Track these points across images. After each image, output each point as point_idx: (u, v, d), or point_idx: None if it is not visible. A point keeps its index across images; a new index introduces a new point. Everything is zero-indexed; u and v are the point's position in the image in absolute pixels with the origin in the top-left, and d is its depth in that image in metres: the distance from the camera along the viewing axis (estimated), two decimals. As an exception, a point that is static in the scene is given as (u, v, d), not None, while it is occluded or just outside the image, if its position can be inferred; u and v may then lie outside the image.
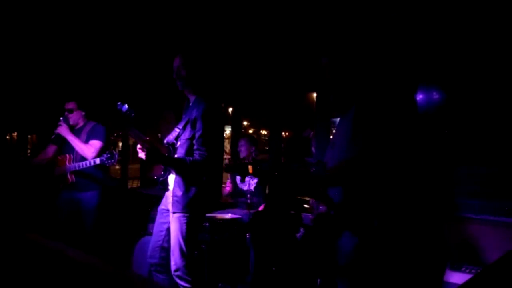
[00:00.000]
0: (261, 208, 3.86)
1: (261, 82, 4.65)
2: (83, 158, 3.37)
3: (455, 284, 2.71)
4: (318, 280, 3.24)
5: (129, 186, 7.24)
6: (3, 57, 4.89)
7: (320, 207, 1.69)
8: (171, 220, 2.53)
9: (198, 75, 2.58)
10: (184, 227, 2.47)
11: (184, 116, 2.64)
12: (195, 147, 2.48)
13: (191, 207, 2.48)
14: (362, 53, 1.49)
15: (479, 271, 2.69)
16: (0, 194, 4.08)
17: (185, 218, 2.47)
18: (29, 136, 8.73)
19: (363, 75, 1.47)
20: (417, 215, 1.35)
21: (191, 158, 2.45)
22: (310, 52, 4.06)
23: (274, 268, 3.46)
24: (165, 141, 2.63)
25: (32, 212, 4.05)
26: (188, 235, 2.47)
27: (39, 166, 3.55)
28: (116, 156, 3.29)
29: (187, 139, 2.51)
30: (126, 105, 2.38)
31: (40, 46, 4.84)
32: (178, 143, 2.59)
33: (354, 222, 1.38)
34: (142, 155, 2.37)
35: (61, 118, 3.50)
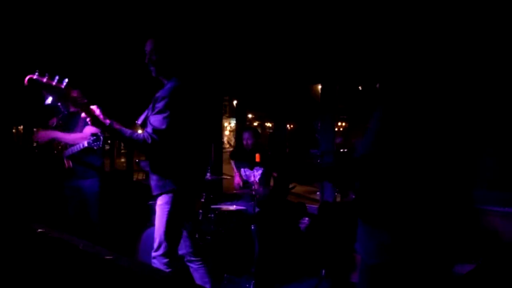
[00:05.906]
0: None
1: (265, 75, 4.64)
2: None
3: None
4: (323, 271, 3.26)
5: (135, 178, 7.32)
6: (9, 51, 4.91)
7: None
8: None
9: (171, 60, 2.40)
10: (162, 211, 2.37)
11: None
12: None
13: (161, 189, 2.38)
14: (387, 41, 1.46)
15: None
16: (7, 186, 4.12)
17: (161, 201, 2.39)
18: (34, 129, 8.75)
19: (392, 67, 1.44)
20: (435, 208, 1.35)
21: (135, 133, 2.26)
22: (315, 43, 4.03)
23: (279, 259, 3.47)
24: (137, 122, 2.50)
25: (39, 204, 4.08)
26: (168, 219, 2.35)
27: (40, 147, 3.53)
28: (102, 138, 3.11)
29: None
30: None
31: (44, 40, 4.85)
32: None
33: (374, 211, 1.37)
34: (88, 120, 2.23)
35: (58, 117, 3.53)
